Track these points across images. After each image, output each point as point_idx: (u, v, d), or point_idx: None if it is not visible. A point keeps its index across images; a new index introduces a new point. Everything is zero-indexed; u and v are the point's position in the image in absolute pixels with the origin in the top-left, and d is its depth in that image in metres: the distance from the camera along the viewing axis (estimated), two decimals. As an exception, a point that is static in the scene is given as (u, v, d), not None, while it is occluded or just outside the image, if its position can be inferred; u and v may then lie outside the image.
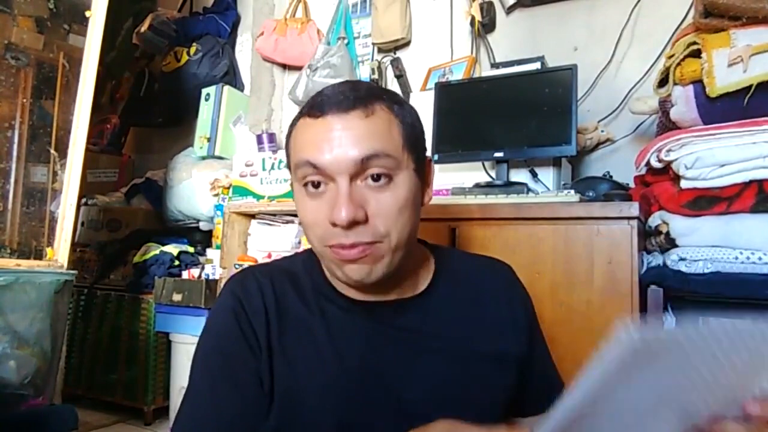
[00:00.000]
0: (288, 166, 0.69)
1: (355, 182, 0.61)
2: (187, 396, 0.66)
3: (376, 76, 2.19)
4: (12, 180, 1.92)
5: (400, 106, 0.66)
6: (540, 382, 0.79)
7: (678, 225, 1.13)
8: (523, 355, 0.75)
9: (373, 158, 0.60)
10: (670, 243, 1.15)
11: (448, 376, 0.68)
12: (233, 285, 0.70)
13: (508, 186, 1.48)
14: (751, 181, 1.06)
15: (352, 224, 0.60)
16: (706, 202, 1.09)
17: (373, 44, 2.25)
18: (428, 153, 0.74)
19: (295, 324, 0.68)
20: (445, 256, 0.78)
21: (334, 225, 0.61)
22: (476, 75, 1.97)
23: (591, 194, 1.35)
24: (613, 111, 1.77)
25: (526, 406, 0.80)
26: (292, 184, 0.69)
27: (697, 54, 1.13)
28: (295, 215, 1.97)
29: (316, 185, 0.63)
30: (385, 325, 0.68)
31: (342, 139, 0.61)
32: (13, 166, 1.93)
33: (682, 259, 1.11)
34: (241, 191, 2.15)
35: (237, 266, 1.94)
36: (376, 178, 0.61)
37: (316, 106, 0.64)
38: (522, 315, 0.78)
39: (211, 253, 2.27)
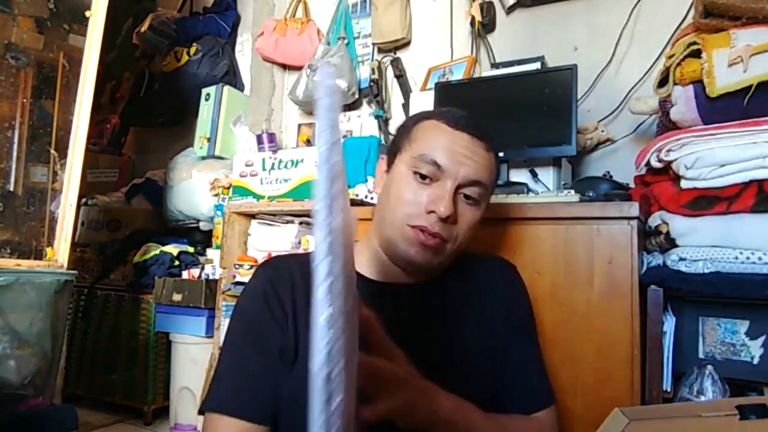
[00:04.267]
0: (398, 146, 0.81)
1: (457, 191, 0.75)
2: (216, 366, 0.74)
3: (376, 76, 2.19)
4: (12, 180, 1.92)
5: (497, 157, 0.82)
6: (514, 378, 0.82)
7: (678, 225, 1.12)
8: (502, 345, 0.81)
9: (477, 184, 0.76)
10: (670, 243, 1.15)
11: (448, 352, 0.77)
12: (264, 268, 0.79)
13: (508, 186, 1.48)
14: (751, 181, 1.06)
15: (445, 219, 0.73)
16: (706, 202, 1.09)
17: (373, 44, 2.25)
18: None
19: None
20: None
21: (430, 212, 0.73)
22: (476, 75, 1.97)
23: (591, 194, 1.35)
24: (613, 111, 1.77)
25: (500, 399, 0.81)
26: (391, 166, 0.81)
27: (697, 54, 1.12)
28: (295, 215, 1.97)
29: (424, 177, 0.75)
30: (398, 304, 0.78)
31: (468, 158, 0.75)
32: (13, 166, 1.93)
33: (682, 259, 1.11)
34: (241, 191, 2.15)
35: (237, 266, 1.94)
36: (469, 197, 0.77)
37: (455, 119, 0.78)
38: (515, 309, 0.85)
39: (211, 253, 2.27)
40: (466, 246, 0.80)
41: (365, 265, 0.81)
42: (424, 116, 0.82)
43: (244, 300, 0.77)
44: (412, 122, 0.82)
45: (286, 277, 0.76)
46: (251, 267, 1.90)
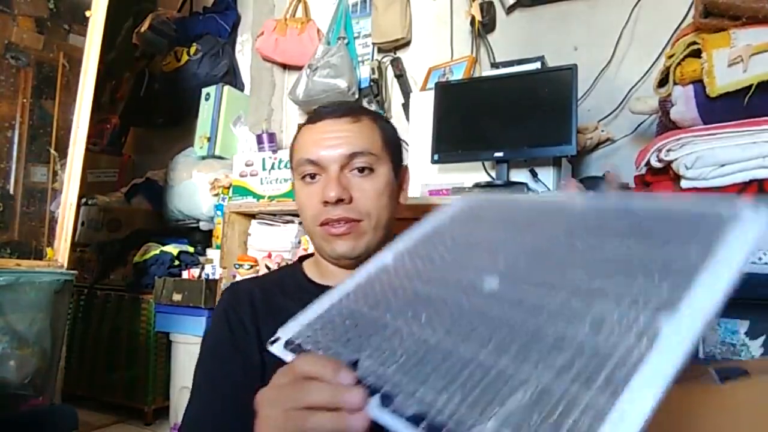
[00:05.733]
0: (291, 167, 0.84)
1: (343, 171, 0.75)
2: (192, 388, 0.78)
3: (376, 76, 2.19)
4: (12, 180, 1.92)
5: (383, 121, 0.82)
6: None
7: (678, 225, 1.12)
8: None
9: (358, 155, 0.75)
10: (670, 243, 1.14)
11: None
12: (225, 292, 0.83)
13: (508, 186, 1.48)
14: (751, 181, 1.06)
15: (339, 201, 0.74)
16: (706, 201, 1.09)
17: (373, 44, 2.25)
18: (407, 162, 0.88)
19: (279, 312, 0.78)
20: None
21: (326, 204, 0.74)
22: (476, 75, 1.96)
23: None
24: (613, 111, 1.77)
25: None
26: (293, 184, 0.83)
27: (697, 54, 1.13)
28: (296, 215, 1.97)
29: (312, 176, 0.77)
30: None
31: (334, 139, 0.76)
32: (13, 166, 1.93)
33: (682, 259, 1.11)
34: (241, 191, 2.15)
35: (237, 266, 1.94)
36: (361, 169, 0.76)
37: (314, 115, 0.80)
38: None
39: (211, 253, 2.27)
40: (392, 216, 0.80)
41: (321, 276, 0.83)
42: (297, 129, 0.84)
43: (209, 327, 0.82)
44: (292, 140, 0.84)
45: (245, 298, 0.79)
46: (251, 267, 1.90)
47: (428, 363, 0.39)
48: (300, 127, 0.83)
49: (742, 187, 1.06)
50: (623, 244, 0.42)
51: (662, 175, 1.23)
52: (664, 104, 1.25)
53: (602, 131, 1.70)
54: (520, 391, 0.33)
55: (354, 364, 0.42)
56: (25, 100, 1.96)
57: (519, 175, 1.61)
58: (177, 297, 2.14)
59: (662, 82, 1.21)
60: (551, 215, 0.52)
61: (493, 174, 1.63)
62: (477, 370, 0.36)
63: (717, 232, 0.38)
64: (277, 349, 0.48)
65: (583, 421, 0.30)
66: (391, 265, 0.53)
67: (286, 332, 0.50)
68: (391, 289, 0.50)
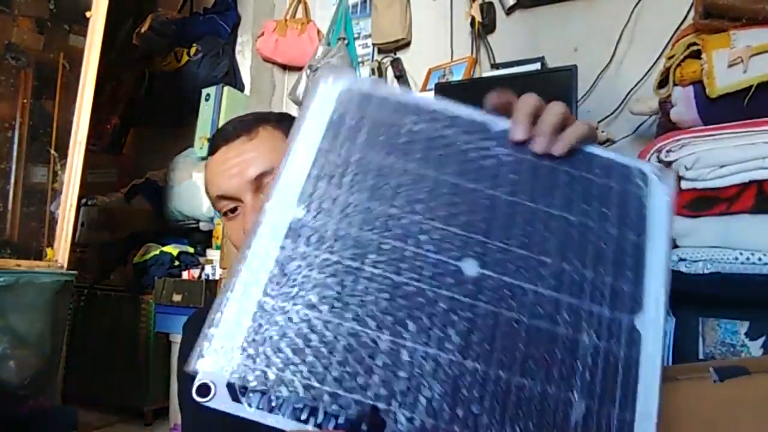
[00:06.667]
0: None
1: (258, 195, 0.67)
2: None
3: (376, 77, 2.19)
4: (12, 180, 1.92)
5: (289, 121, 0.72)
6: None
7: (678, 225, 1.13)
8: None
9: (266, 174, 0.67)
10: (670, 243, 1.15)
11: None
12: (186, 325, 0.80)
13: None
14: (750, 182, 1.06)
15: None
16: (706, 202, 1.10)
17: (373, 45, 2.26)
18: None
19: None
20: None
21: None
22: (476, 75, 1.97)
23: (591, 195, 1.35)
24: (613, 111, 1.77)
25: None
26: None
27: (697, 55, 1.13)
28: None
29: (233, 210, 0.70)
30: None
31: (235, 166, 0.68)
32: (13, 166, 1.93)
33: (682, 260, 1.11)
34: (241, 191, 2.15)
35: (237, 266, 1.94)
36: None
37: (211, 146, 0.73)
38: None
39: (211, 253, 2.28)
40: None
41: None
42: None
43: (177, 361, 0.78)
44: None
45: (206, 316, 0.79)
46: (251, 267, 1.90)
47: (468, 395, 0.34)
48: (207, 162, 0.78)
49: (742, 189, 1.06)
50: (558, 220, 0.42)
51: (662, 176, 1.23)
52: (664, 105, 1.26)
53: (602, 132, 1.71)
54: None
55: (375, 411, 0.32)
56: (25, 100, 1.96)
57: (519, 176, 1.61)
58: (177, 297, 2.14)
59: (662, 83, 1.22)
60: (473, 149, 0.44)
61: (493, 174, 1.64)
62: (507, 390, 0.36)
63: (639, 210, 0.43)
64: (221, 403, 0.32)
65: None
66: (307, 230, 0.38)
67: (215, 370, 0.33)
68: (331, 276, 0.36)
